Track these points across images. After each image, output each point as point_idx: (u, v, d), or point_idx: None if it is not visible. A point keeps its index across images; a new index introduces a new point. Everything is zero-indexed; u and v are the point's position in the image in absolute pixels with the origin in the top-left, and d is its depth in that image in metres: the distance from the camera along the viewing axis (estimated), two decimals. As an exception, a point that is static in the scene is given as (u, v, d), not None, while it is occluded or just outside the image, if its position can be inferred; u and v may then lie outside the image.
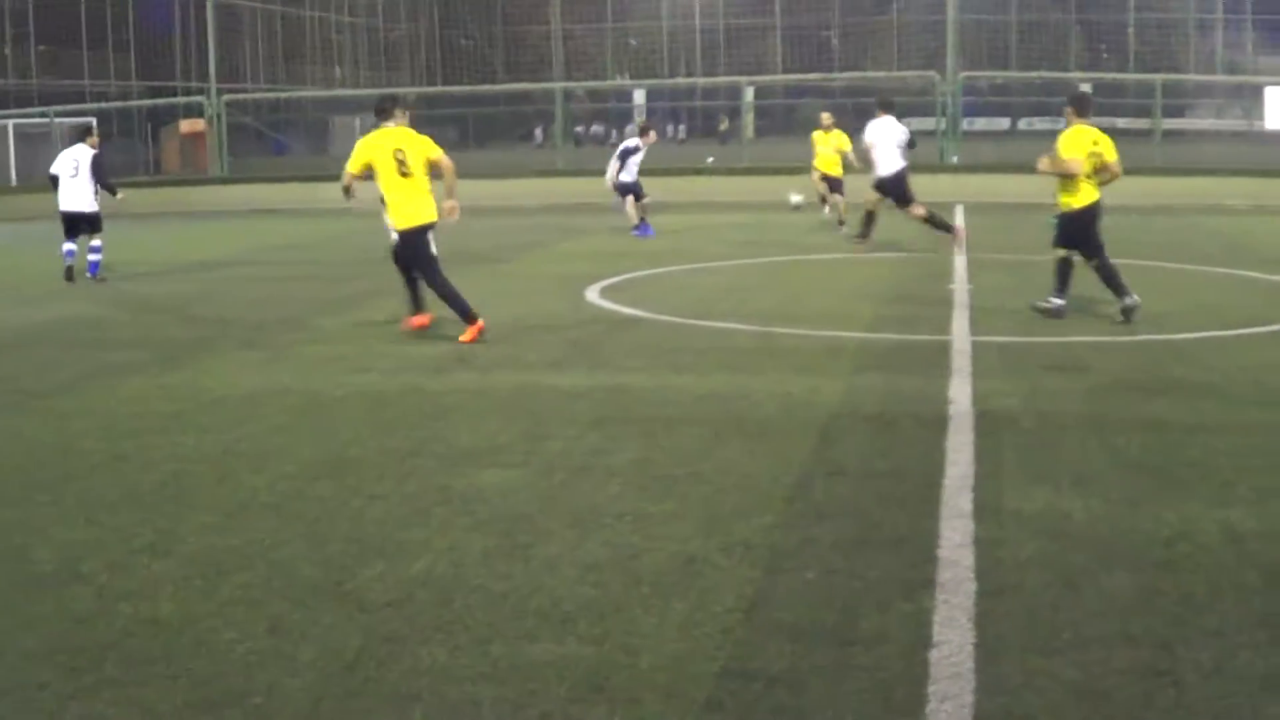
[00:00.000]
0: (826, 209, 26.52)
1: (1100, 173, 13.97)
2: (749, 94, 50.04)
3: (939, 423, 9.37)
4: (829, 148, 25.76)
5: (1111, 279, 14.04)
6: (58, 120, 41.36)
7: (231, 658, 5.47)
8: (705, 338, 13.42)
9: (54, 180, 20.32)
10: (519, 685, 5.16)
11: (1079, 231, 14.14)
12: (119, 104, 54.72)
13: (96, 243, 19.94)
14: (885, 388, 10.70)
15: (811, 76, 63.33)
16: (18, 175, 44.57)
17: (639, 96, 68.58)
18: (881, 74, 60.69)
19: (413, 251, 13.43)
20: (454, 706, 5.02)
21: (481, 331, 13.06)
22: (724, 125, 65.97)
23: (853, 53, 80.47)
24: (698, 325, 14.18)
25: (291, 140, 48.22)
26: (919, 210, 21.21)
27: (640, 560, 6.53)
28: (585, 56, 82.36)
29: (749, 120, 49.06)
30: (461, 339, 13.01)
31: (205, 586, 6.30)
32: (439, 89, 57.86)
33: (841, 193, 25.83)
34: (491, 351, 12.62)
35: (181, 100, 53.94)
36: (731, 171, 39.53)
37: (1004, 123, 64.57)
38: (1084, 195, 14.02)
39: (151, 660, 5.45)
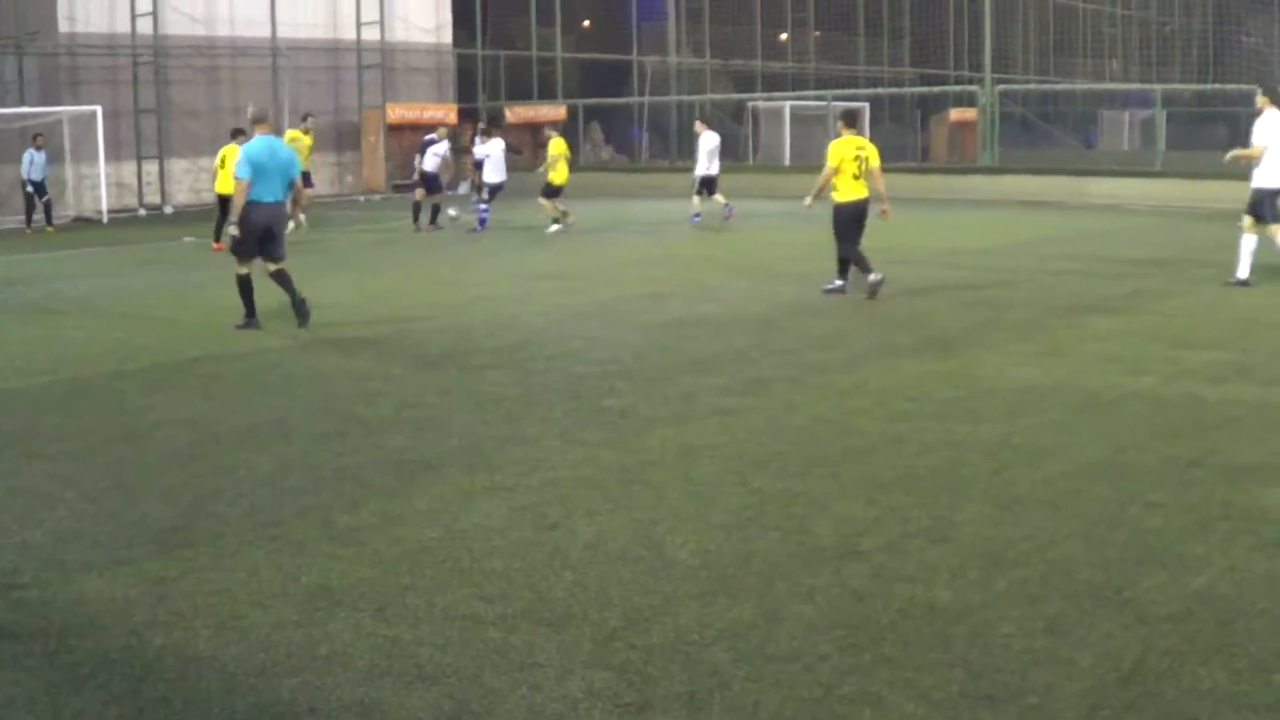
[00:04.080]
0: None
1: None
2: None
3: None
4: None
5: None
6: (833, 104, 43.04)
7: (1009, 653, 5.45)
8: None
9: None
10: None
11: None
12: (892, 90, 56.24)
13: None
14: None
15: None
16: (792, 155, 46.79)
17: None
18: None
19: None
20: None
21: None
22: None
23: None
24: None
25: (1060, 133, 47.65)
26: None
27: None
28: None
29: None
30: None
31: (980, 577, 6.32)
32: (1211, 86, 55.38)
33: None
34: (1274, 366, 11.91)
35: (953, 89, 54.69)
36: None
37: None
38: None
39: (927, 645, 5.53)
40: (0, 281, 20.40)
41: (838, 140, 17.03)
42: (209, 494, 7.99)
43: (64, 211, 33.87)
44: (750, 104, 50.17)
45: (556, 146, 27.49)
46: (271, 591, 6.25)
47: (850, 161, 16.63)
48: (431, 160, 28.35)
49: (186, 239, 27.41)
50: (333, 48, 42.19)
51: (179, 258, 24.01)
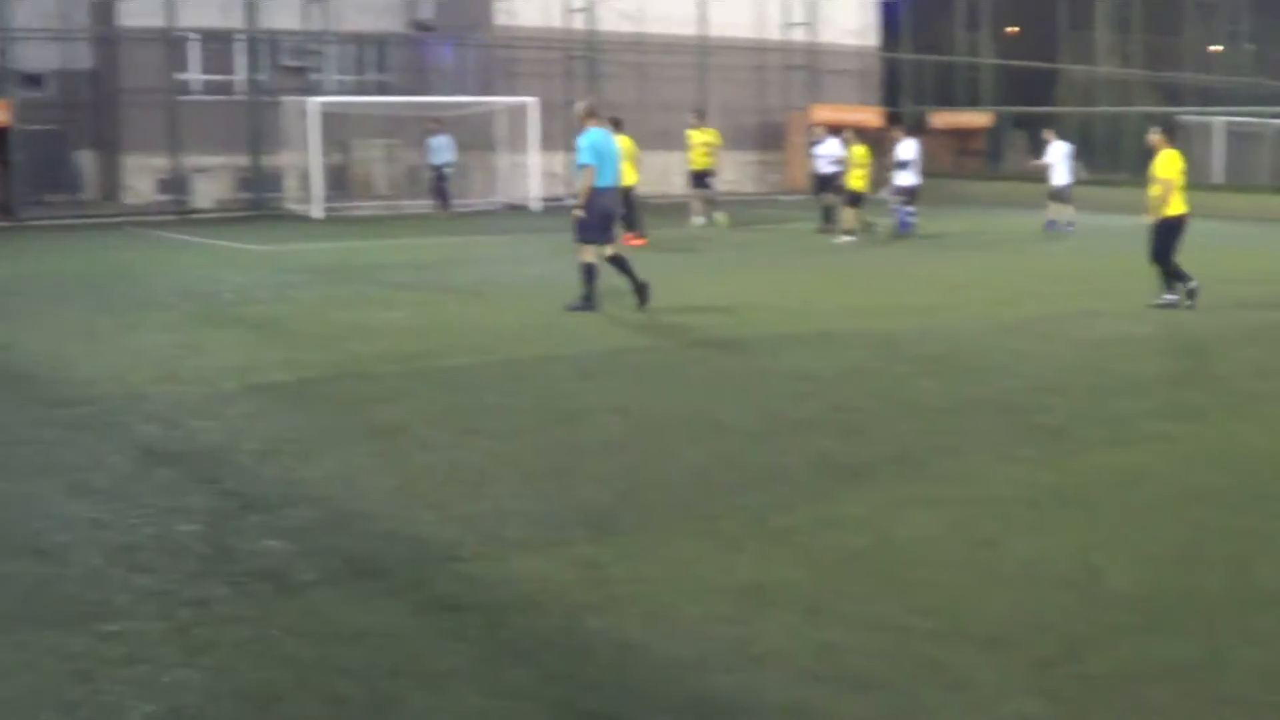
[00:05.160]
0: None
1: None
2: None
3: None
4: None
5: None
6: (1271, 121, 40.98)
7: None
8: None
9: None
10: None
11: None
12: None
13: None
14: None
15: None
16: (1227, 173, 44.59)
17: None
18: None
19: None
20: None
21: None
22: None
23: None
24: None
25: None
26: None
27: None
28: None
29: None
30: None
31: None
32: None
33: None
34: None
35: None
36: None
37: None
38: None
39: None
40: (440, 263, 21.44)
41: (1171, 153, 16.63)
42: (642, 482, 8.14)
43: (494, 198, 35.33)
44: (1178, 118, 48.07)
45: (857, 153, 26.95)
46: (704, 585, 6.30)
47: (1181, 175, 16.45)
48: (821, 162, 28.28)
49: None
50: (759, 48, 42.59)
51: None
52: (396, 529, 7.15)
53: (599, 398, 10.76)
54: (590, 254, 15.53)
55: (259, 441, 9.17)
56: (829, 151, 28.11)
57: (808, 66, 43.14)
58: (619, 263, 15.72)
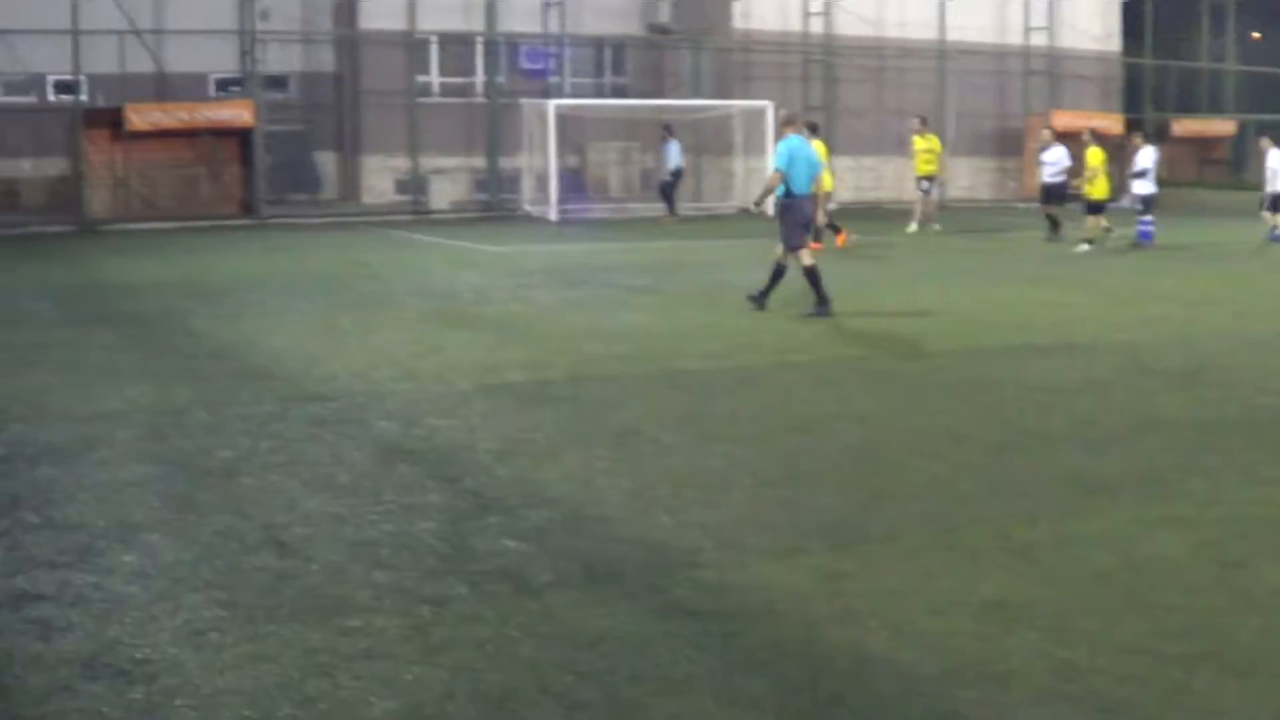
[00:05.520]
0: None
1: None
2: None
3: None
4: None
5: None
6: None
7: None
8: None
9: None
10: None
11: None
12: None
13: None
14: None
15: None
16: None
17: None
18: None
19: None
20: None
21: None
22: None
23: None
24: None
25: None
26: None
27: None
28: None
29: None
30: None
31: None
32: None
33: None
34: None
35: None
36: None
37: None
38: None
39: None
40: (673, 266, 21.53)
41: None
42: (882, 492, 8.02)
43: (729, 202, 35.34)
44: None
45: (1094, 157, 26.00)
46: (947, 599, 6.17)
47: None
48: (1047, 170, 27.58)
49: (852, 237, 27.99)
50: (999, 52, 41.84)
51: (838, 253, 24.49)
52: (634, 533, 7.17)
53: (836, 405, 10.65)
54: (808, 257, 15.77)
55: (497, 441, 9.29)
56: (1055, 159, 27.42)
57: (1048, 71, 42.25)
58: (778, 272, 16.02)
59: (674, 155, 32.93)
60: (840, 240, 24.23)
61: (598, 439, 9.42)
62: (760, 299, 15.99)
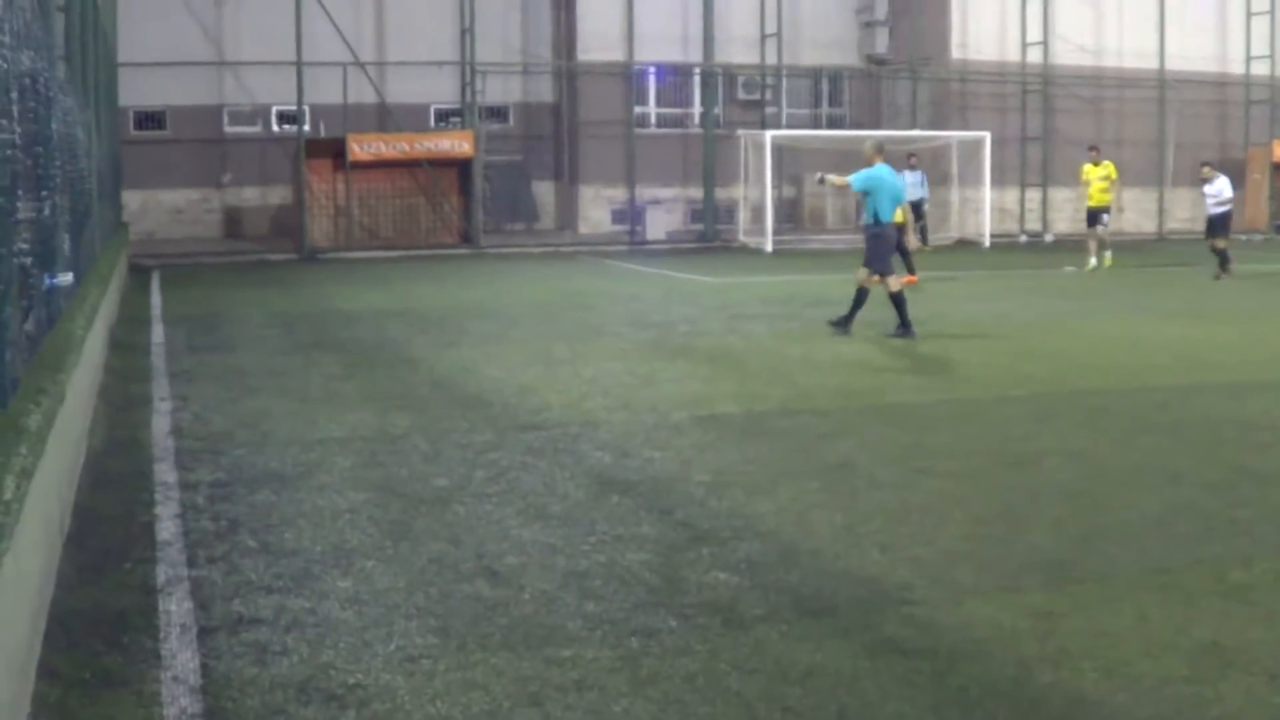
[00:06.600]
0: None
1: None
2: None
3: None
4: None
5: None
6: None
7: None
8: None
9: None
10: None
11: None
12: None
13: None
14: None
15: None
16: None
17: None
18: None
19: None
20: None
21: None
22: None
23: None
24: None
25: None
26: None
27: None
28: None
29: None
30: None
31: None
32: None
33: None
34: None
35: None
36: None
37: None
38: None
39: None
40: (883, 297, 21.32)
41: None
42: (1097, 530, 7.88)
43: (946, 233, 35.02)
44: None
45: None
46: (1161, 641, 6.04)
47: None
48: (1210, 203, 26.53)
49: (1067, 268, 27.47)
50: (1220, 81, 40.76)
51: (1059, 287, 24.11)
52: (846, 567, 7.16)
53: (1052, 440, 10.49)
54: (894, 284, 16.89)
55: (709, 473, 9.35)
56: (1216, 190, 26.36)
57: (1270, 101, 41.00)
58: (861, 296, 17.01)
59: (915, 185, 32.16)
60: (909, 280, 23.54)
61: (810, 472, 9.42)
62: (844, 324, 16.94)
